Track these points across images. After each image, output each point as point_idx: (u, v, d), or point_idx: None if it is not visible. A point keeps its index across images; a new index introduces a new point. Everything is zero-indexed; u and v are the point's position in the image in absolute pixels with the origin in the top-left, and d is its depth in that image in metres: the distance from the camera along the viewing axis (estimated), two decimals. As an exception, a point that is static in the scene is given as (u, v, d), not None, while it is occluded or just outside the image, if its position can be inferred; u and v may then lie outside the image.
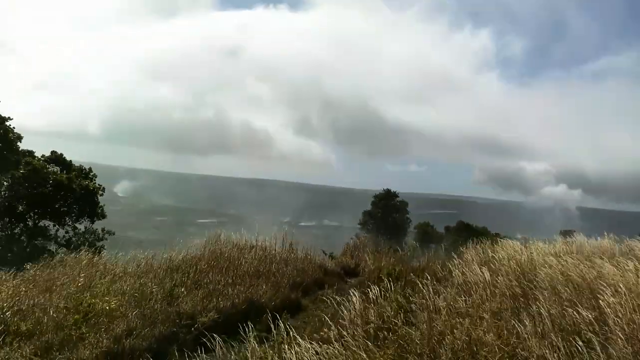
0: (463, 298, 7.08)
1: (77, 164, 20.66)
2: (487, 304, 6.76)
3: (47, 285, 8.58)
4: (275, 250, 12.12)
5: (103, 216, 19.62)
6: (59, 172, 19.02)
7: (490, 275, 7.84)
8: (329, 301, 8.07)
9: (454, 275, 8.56)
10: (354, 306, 7.02)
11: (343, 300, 7.40)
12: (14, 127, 18.11)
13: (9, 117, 17.98)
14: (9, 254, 17.27)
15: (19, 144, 18.43)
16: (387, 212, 37.64)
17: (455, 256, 9.85)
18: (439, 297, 7.17)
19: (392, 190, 38.82)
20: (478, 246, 10.73)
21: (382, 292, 7.59)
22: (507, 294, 7.13)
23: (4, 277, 9.26)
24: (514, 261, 8.77)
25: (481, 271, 8.02)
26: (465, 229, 40.91)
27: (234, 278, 9.62)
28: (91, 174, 20.45)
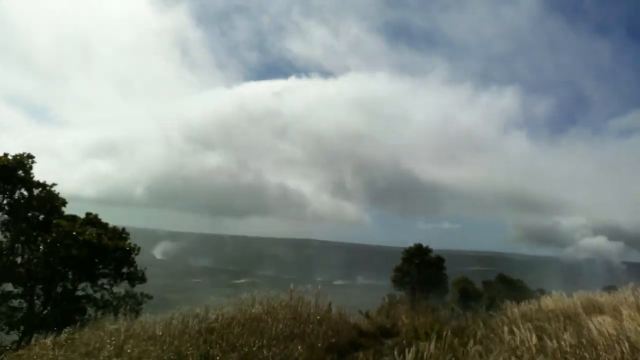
0: (509, 358, 6.71)
1: (115, 226, 21.13)
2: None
3: (85, 349, 8.62)
4: (309, 310, 11.92)
5: (143, 280, 19.74)
6: (93, 232, 19.38)
7: (537, 333, 7.43)
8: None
9: (497, 333, 8.16)
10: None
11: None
12: (58, 193, 19.09)
13: (53, 184, 19.07)
14: (47, 318, 17.53)
15: (63, 208, 19.35)
16: (421, 268, 36.28)
17: (496, 314, 9.44)
18: (482, 358, 6.82)
19: (424, 245, 37.38)
20: (521, 302, 10.27)
21: (421, 354, 7.29)
22: (558, 353, 6.72)
23: (42, 341, 9.36)
24: (563, 317, 8.32)
25: (526, 329, 7.62)
26: (505, 284, 39.31)
27: (268, 340, 9.46)
28: (124, 234, 20.75)
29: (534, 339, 7.19)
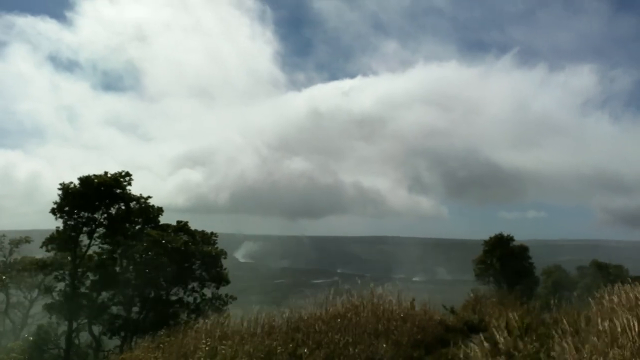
0: (608, 351, 6.30)
1: (204, 230, 22.24)
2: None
3: (180, 350, 9.13)
4: (392, 307, 11.84)
5: (227, 281, 20.71)
6: (181, 240, 20.49)
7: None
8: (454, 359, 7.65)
9: (594, 324, 7.67)
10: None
11: (470, 357, 6.97)
12: (153, 205, 20.68)
13: (149, 196, 20.63)
14: (143, 323, 18.79)
15: (159, 217, 20.93)
16: (504, 259, 34.68)
17: (592, 303, 8.86)
18: (577, 351, 6.45)
19: (505, 235, 35.66)
20: (620, 290, 9.54)
21: (513, 347, 7.04)
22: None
23: (141, 344, 9.99)
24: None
25: (626, 318, 7.08)
26: (602, 270, 36.83)
27: (353, 337, 9.53)
28: (213, 237, 21.76)
29: (638, 327, 6.66)
